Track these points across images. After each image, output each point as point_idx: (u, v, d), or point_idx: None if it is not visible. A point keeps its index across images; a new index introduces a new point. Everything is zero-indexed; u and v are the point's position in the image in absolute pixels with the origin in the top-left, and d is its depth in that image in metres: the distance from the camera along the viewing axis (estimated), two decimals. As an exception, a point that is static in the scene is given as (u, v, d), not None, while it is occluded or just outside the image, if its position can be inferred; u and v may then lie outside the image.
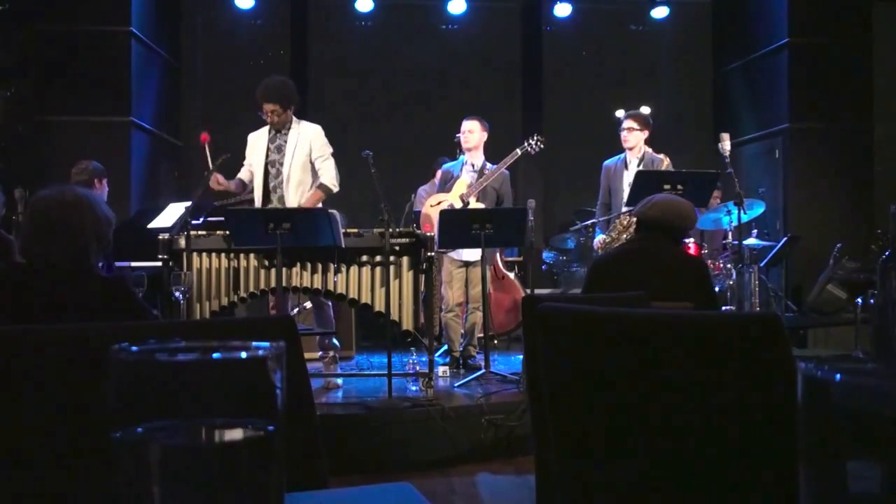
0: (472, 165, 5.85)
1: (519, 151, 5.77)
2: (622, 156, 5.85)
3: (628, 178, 5.72)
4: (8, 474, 1.24)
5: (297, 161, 5.07)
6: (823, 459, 0.46)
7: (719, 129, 6.36)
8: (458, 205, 5.68)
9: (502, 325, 6.93)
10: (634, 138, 5.74)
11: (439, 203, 5.87)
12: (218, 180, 5.00)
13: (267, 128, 5.19)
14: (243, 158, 5.29)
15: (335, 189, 5.11)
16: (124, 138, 7.46)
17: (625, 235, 5.47)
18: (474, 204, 5.68)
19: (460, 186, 5.80)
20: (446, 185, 5.93)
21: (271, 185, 5.11)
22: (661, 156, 5.73)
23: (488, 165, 5.80)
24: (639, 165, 5.70)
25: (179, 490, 0.48)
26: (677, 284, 3.30)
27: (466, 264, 5.87)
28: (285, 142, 5.12)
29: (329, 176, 5.08)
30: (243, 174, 5.25)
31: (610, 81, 9.86)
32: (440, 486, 3.90)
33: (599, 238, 5.77)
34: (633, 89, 9.81)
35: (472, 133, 5.82)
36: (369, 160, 4.89)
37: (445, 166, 6.09)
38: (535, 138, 5.83)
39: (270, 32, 9.56)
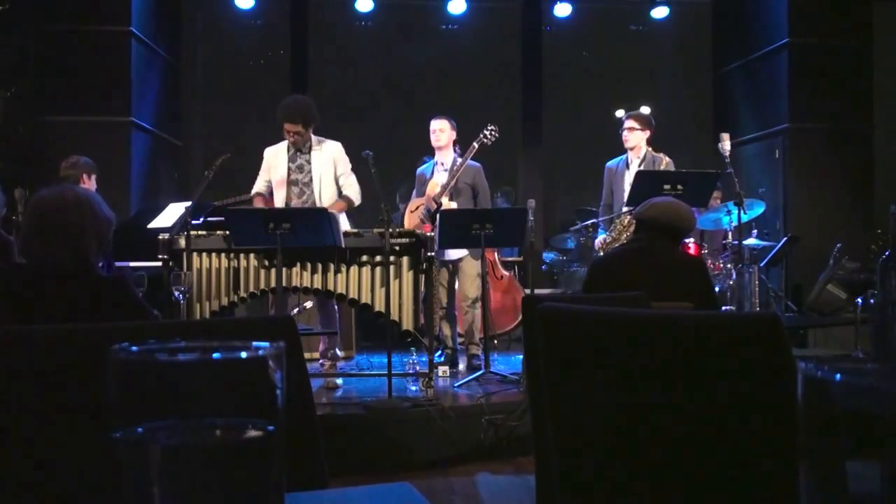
0: (443, 164, 5.87)
1: (476, 144, 5.78)
2: (624, 156, 5.86)
3: (630, 178, 5.72)
4: (8, 474, 1.24)
5: (326, 181, 5.12)
6: (823, 459, 0.46)
7: (719, 129, 6.36)
8: (433, 206, 5.68)
9: (502, 325, 6.93)
10: (635, 138, 5.75)
11: (417, 208, 5.88)
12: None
13: (285, 144, 5.19)
14: (258, 171, 5.30)
15: (358, 202, 5.19)
16: (124, 138, 7.46)
17: (625, 235, 5.47)
18: (447, 203, 5.68)
19: (433, 187, 5.81)
20: (421, 187, 5.95)
21: (293, 203, 5.12)
22: (661, 155, 5.74)
23: (458, 161, 5.81)
24: (640, 165, 5.70)
25: (179, 490, 0.48)
26: (677, 284, 3.30)
27: (453, 263, 5.86)
28: (307, 161, 5.14)
29: (354, 190, 5.14)
30: (261, 187, 5.24)
31: (610, 81, 9.86)
32: (440, 486, 3.90)
33: (600, 238, 5.78)
34: (633, 89, 9.81)
35: (443, 132, 5.83)
36: (369, 160, 4.90)
37: (419, 170, 6.11)
38: (490, 128, 5.84)
39: (270, 32, 9.56)
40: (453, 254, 5.79)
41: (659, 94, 10.01)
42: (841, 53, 8.19)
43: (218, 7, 9.24)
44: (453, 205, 5.66)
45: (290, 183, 5.14)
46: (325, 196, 5.10)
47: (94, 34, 7.39)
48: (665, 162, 5.68)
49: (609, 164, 5.96)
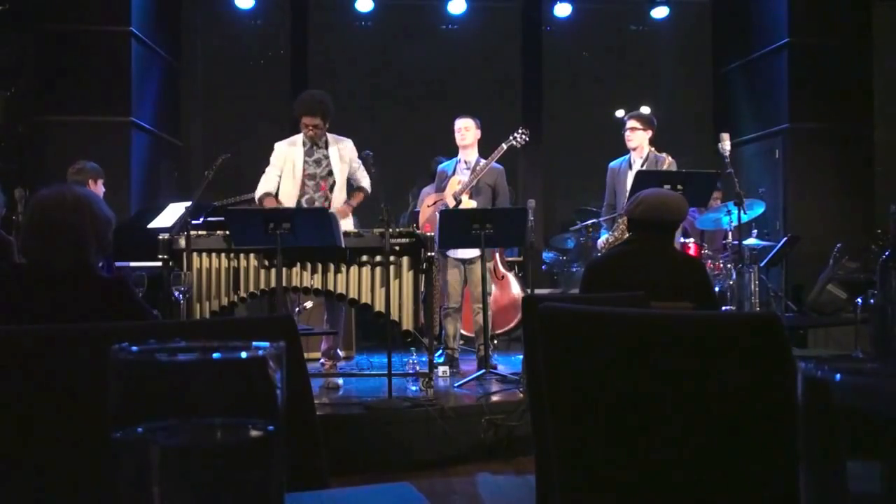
0: (466, 163, 5.87)
1: (505, 146, 5.78)
2: (627, 157, 5.85)
3: (632, 178, 5.72)
4: (8, 474, 1.24)
5: (344, 176, 5.20)
6: (823, 459, 0.46)
7: (719, 129, 6.35)
8: (452, 203, 5.68)
9: (502, 325, 6.93)
10: (638, 138, 5.74)
11: (434, 203, 5.88)
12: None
13: (299, 139, 5.20)
14: (264, 165, 5.30)
15: (370, 192, 5.27)
16: (124, 138, 7.46)
17: (627, 234, 5.46)
18: (466, 202, 5.68)
19: (453, 185, 5.81)
20: (441, 184, 5.95)
21: (306, 196, 5.13)
22: (664, 155, 5.73)
23: (482, 162, 5.82)
24: (643, 165, 5.69)
25: (179, 490, 0.48)
26: (675, 285, 3.28)
27: (463, 262, 5.86)
28: (325, 156, 5.17)
29: (367, 181, 5.22)
30: (271, 186, 5.20)
31: (610, 81, 9.86)
32: (440, 486, 3.90)
33: (603, 238, 5.77)
34: (633, 89, 9.82)
35: (469, 131, 5.83)
36: (369, 160, 4.91)
37: (441, 166, 6.11)
38: (520, 131, 5.85)
39: (270, 32, 9.56)
40: (466, 253, 5.79)
41: (659, 94, 10.01)
42: (841, 53, 8.19)
43: (218, 7, 9.24)
44: (473, 203, 5.67)
45: (307, 177, 5.15)
46: (340, 191, 5.18)
47: (94, 34, 7.39)
48: (668, 162, 5.67)
49: (612, 164, 5.95)
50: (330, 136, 5.21)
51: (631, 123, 5.78)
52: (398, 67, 9.56)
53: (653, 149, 5.77)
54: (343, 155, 5.19)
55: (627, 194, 5.67)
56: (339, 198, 5.17)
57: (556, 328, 1.42)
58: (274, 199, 5.18)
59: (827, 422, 0.45)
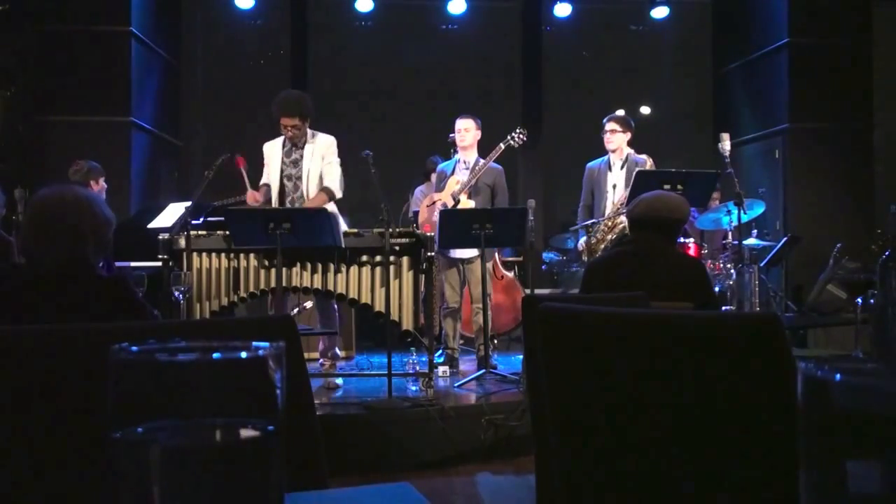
0: (465, 163, 5.87)
1: (503, 146, 5.79)
2: (605, 158, 5.87)
3: (612, 179, 5.74)
4: (8, 474, 1.24)
5: (314, 175, 5.10)
6: (823, 459, 0.46)
7: (719, 129, 6.35)
8: (450, 203, 5.69)
9: (502, 325, 6.93)
10: (617, 140, 5.77)
11: (433, 203, 5.89)
12: (255, 198, 5.06)
13: (281, 139, 5.18)
14: (262, 166, 5.29)
15: (338, 194, 5.14)
16: (124, 138, 7.46)
17: (609, 237, 5.47)
18: (465, 201, 5.68)
19: (451, 185, 5.82)
20: (441, 184, 5.96)
21: (288, 198, 5.11)
22: (644, 157, 5.76)
23: (481, 162, 5.82)
24: (622, 167, 5.73)
25: (179, 490, 0.48)
26: (675, 285, 3.28)
27: (462, 262, 5.86)
28: (301, 156, 5.13)
29: (333, 180, 5.10)
30: (267, 180, 5.23)
31: (610, 81, 9.86)
32: (440, 486, 3.90)
33: (582, 241, 5.77)
34: (633, 89, 9.81)
35: (469, 132, 5.83)
36: (369, 160, 4.90)
37: (440, 166, 6.12)
38: (518, 131, 5.86)
39: (270, 32, 9.56)
40: (464, 253, 5.79)
41: (659, 94, 10.01)
42: (841, 53, 8.19)
43: (218, 7, 9.24)
44: (471, 203, 5.67)
45: (285, 178, 5.14)
46: (311, 189, 5.09)
47: (94, 34, 7.39)
48: (648, 164, 5.70)
49: (590, 165, 5.96)
50: (310, 134, 5.16)
51: (610, 126, 5.81)
52: (398, 67, 9.55)
53: (632, 151, 5.80)
54: (316, 151, 5.12)
55: (608, 195, 5.71)
56: (310, 196, 5.08)
57: (556, 328, 1.42)
58: (262, 191, 5.13)
59: (827, 422, 0.45)
